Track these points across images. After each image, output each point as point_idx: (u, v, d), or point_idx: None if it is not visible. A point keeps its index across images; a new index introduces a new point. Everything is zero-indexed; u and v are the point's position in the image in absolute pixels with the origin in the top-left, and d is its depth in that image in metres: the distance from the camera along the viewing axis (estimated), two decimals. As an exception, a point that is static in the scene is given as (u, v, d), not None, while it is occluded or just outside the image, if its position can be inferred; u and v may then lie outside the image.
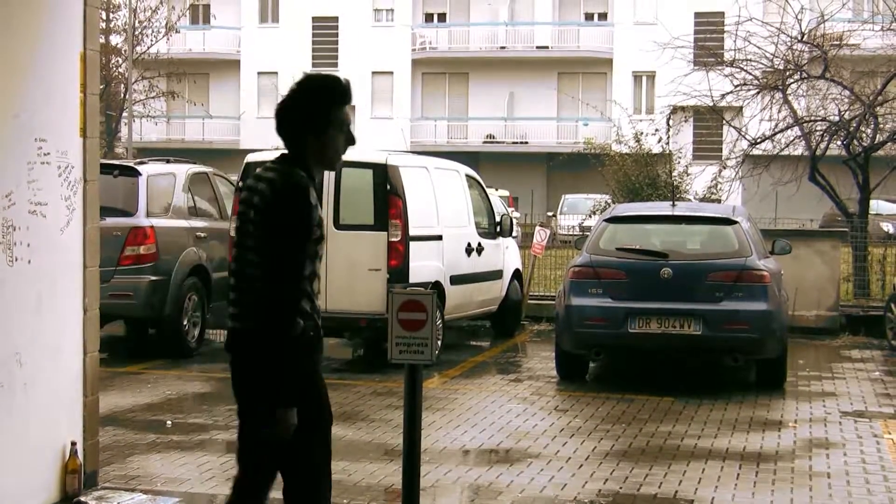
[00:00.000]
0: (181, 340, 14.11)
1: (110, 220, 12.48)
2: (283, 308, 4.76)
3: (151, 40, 43.84)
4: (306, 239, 4.83)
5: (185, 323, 14.10)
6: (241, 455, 5.11)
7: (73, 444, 7.34)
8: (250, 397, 4.93)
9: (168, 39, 44.54)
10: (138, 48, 43.17)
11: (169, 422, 10.41)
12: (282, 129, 4.99)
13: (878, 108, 20.90)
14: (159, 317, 13.97)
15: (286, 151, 4.99)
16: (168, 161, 15.63)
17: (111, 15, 44.26)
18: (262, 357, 4.80)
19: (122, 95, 44.44)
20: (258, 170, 5.09)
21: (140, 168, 14.19)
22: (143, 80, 43.81)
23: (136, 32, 43.06)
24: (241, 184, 13.78)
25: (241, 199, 5.00)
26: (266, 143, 34.72)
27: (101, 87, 36.61)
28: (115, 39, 45.00)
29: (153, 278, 13.71)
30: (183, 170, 15.15)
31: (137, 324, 15.00)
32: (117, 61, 44.42)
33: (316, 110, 4.93)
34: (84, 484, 7.45)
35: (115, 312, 13.23)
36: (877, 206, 32.14)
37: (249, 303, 4.88)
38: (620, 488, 8.20)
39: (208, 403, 11.32)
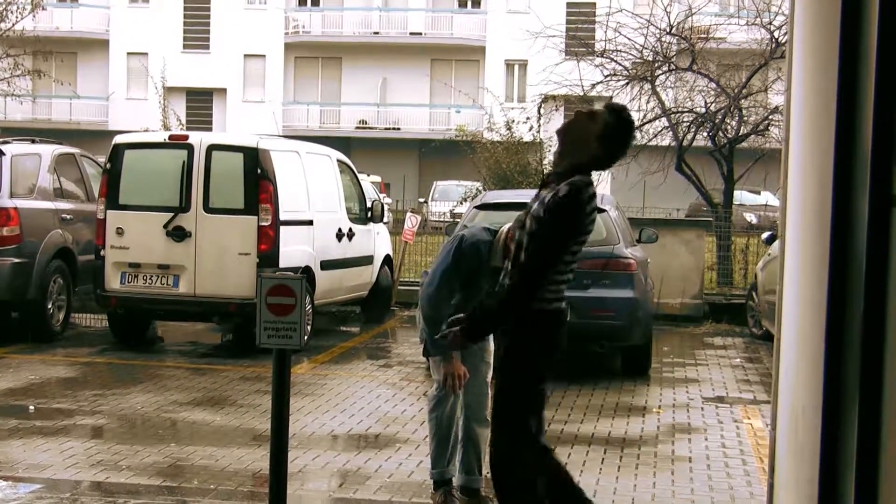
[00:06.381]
0: (45, 324, 13.86)
1: (-28, 201, 12.22)
2: None
3: (17, 17, 42.78)
4: None
5: (49, 306, 13.86)
6: None
7: (-68, 429, 7.19)
8: None
9: (34, 16, 43.48)
10: (3, 25, 42.08)
11: (31, 407, 10.22)
12: None
13: (742, 100, 21.36)
14: (23, 300, 13.69)
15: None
16: (33, 141, 15.31)
17: (-26, -9, 43.10)
18: None
19: (-15, 73, 43.33)
20: None
21: (3, 148, 13.87)
22: (7, 58, 42.74)
23: (1, 9, 42.00)
24: (108, 165, 13.61)
25: None
26: (135, 125, 34.25)
27: (-36, 64, 35.51)
28: (-22, 16, 43.82)
29: (16, 261, 13.43)
30: (49, 150, 14.86)
31: (-1, 307, 14.71)
32: (-20, 38, 43.28)
33: None
34: (-58, 470, 7.30)
35: (-25, 296, 12.97)
36: (740, 196, 32.85)
37: None
38: (488, 473, 8.27)
39: (73, 388, 11.14)
